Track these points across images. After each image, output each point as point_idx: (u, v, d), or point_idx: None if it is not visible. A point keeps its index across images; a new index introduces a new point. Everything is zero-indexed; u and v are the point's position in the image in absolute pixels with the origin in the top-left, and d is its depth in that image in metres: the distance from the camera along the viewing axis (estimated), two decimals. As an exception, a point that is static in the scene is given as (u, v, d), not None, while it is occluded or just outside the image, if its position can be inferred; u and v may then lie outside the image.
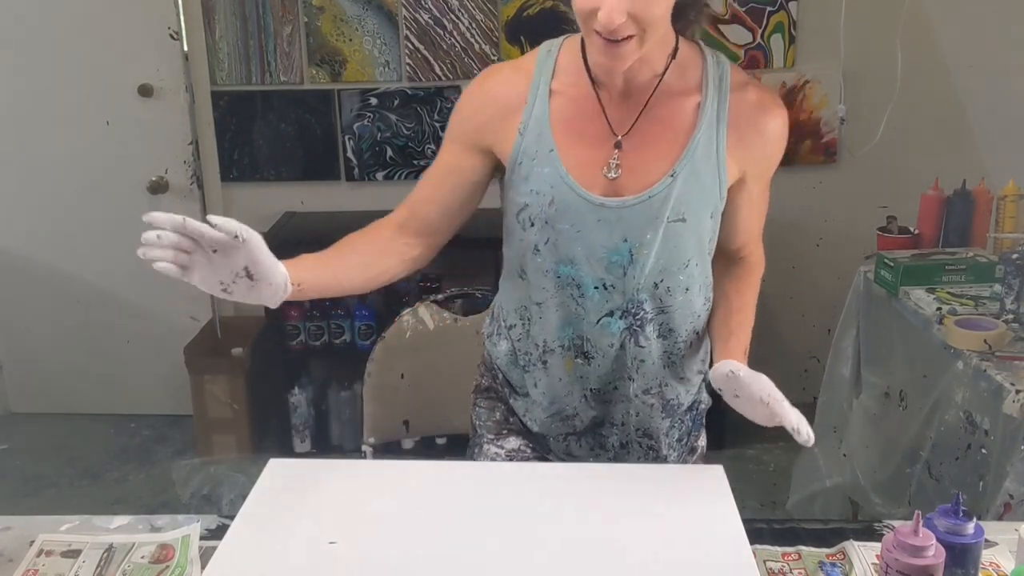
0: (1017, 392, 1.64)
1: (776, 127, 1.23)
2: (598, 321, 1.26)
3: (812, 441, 1.13)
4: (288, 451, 3.04)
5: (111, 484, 2.93)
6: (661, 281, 1.25)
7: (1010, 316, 1.94)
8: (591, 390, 1.32)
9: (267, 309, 2.95)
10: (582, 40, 1.20)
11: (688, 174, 1.20)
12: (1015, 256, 1.94)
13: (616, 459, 1.37)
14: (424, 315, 1.72)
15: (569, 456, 1.38)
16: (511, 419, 1.41)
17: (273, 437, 3.10)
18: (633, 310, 1.25)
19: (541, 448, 1.40)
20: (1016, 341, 1.86)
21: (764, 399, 1.16)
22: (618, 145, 1.21)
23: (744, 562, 0.92)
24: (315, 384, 3.11)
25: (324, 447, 3.10)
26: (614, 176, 1.20)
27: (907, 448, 2.04)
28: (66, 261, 3.21)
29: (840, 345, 2.39)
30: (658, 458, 1.38)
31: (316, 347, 3.03)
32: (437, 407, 1.72)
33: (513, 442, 1.40)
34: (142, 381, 3.30)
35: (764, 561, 1.16)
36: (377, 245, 1.28)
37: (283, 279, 1.07)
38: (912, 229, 2.38)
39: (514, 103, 1.23)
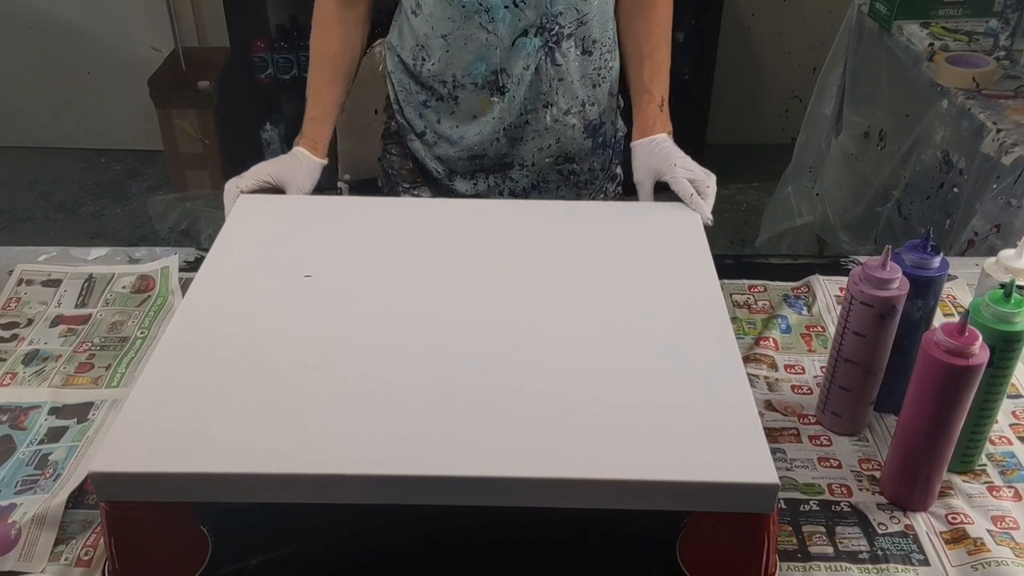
0: (998, 131, 1.63)
1: None
2: (513, 43, 1.18)
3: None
4: (264, 187, 3.03)
5: (87, 218, 2.94)
6: None
7: (1002, 53, 1.89)
8: (504, 128, 1.26)
9: (232, 39, 2.85)
10: None
11: None
12: (1022, -13, 1.86)
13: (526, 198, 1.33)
14: (396, 46, 1.63)
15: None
16: (420, 167, 1.35)
17: (247, 173, 3.06)
18: (548, 25, 1.18)
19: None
20: (1004, 79, 1.82)
21: (685, 201, 1.14)
22: None
23: (711, 294, 0.95)
24: (287, 120, 3.03)
25: (300, 184, 3.08)
26: None
27: (880, 187, 2.06)
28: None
29: (825, 83, 2.34)
30: (579, 184, 1.35)
31: (286, 81, 2.92)
32: (412, 143, 1.68)
33: (426, 192, 1.36)
34: (108, 115, 3.21)
35: (730, 294, 1.20)
36: (340, 38, 1.27)
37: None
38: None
39: None
